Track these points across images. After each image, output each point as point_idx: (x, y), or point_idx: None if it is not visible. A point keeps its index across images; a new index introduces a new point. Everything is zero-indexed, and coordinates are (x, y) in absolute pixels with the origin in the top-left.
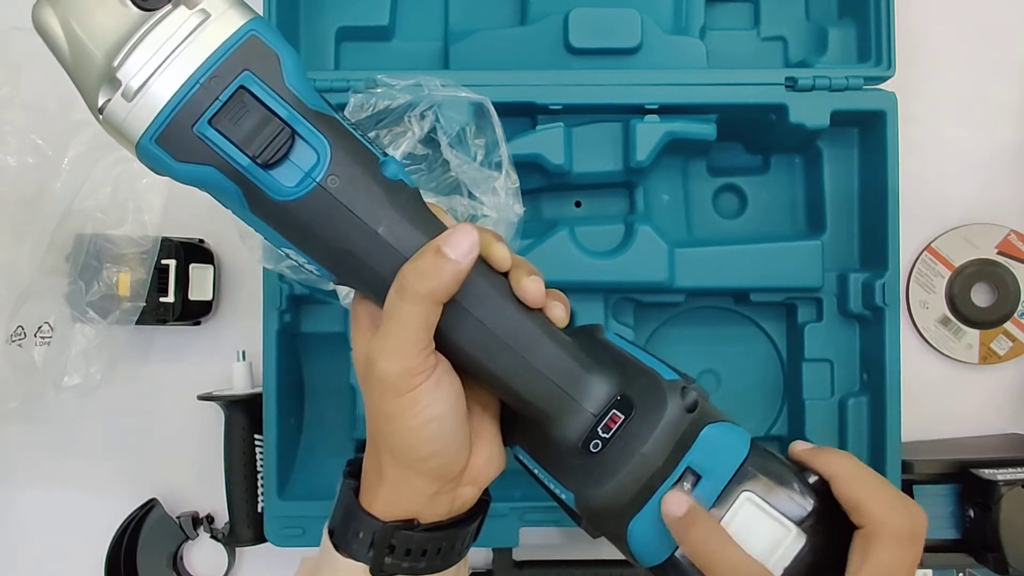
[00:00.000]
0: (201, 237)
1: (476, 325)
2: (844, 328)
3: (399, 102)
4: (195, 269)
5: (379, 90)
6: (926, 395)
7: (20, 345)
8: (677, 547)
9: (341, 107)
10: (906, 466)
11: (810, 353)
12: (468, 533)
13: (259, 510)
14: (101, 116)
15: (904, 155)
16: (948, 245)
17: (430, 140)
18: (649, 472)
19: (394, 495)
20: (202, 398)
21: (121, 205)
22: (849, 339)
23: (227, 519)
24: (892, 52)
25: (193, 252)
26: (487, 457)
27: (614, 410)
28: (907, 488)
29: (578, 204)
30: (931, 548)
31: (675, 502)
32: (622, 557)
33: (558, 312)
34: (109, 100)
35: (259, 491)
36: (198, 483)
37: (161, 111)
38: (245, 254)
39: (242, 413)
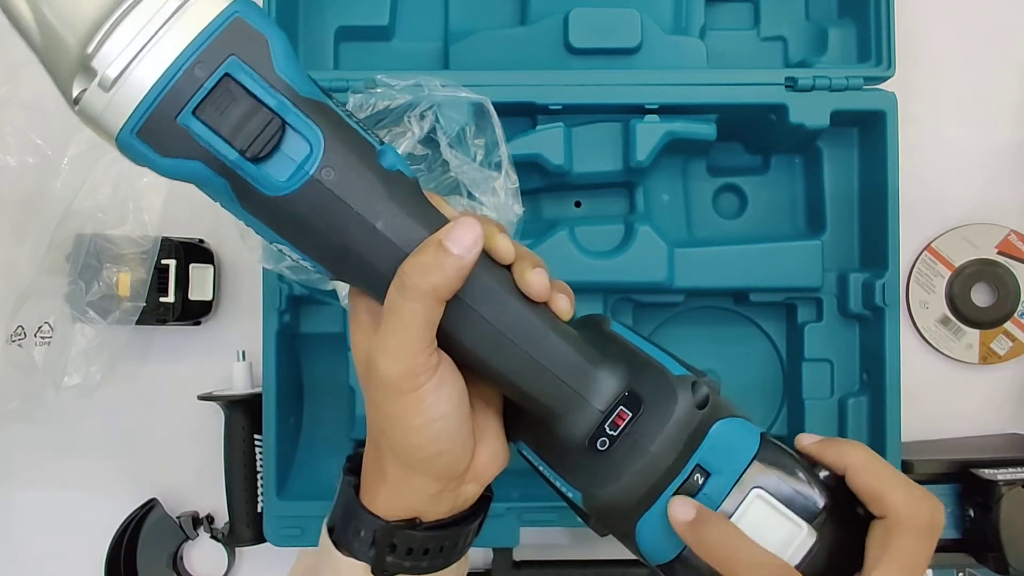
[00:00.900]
0: (201, 237)
1: (479, 321)
2: (844, 328)
3: (399, 102)
4: (195, 269)
5: (379, 90)
6: (926, 395)
7: (20, 345)
8: (687, 547)
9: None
10: (906, 466)
11: (810, 353)
12: (471, 531)
13: (259, 510)
14: (76, 107)
15: (904, 155)
16: (948, 245)
17: (430, 140)
18: (658, 472)
19: (396, 494)
20: (202, 398)
21: (121, 205)
22: (849, 339)
23: (227, 519)
24: (892, 52)
25: (193, 252)
26: (490, 454)
27: (622, 407)
28: None
29: (578, 204)
30: None
31: (681, 509)
32: (622, 557)
33: (563, 305)
34: (85, 90)
35: (259, 491)
36: (198, 483)
37: (141, 102)
38: (245, 254)
39: (242, 413)
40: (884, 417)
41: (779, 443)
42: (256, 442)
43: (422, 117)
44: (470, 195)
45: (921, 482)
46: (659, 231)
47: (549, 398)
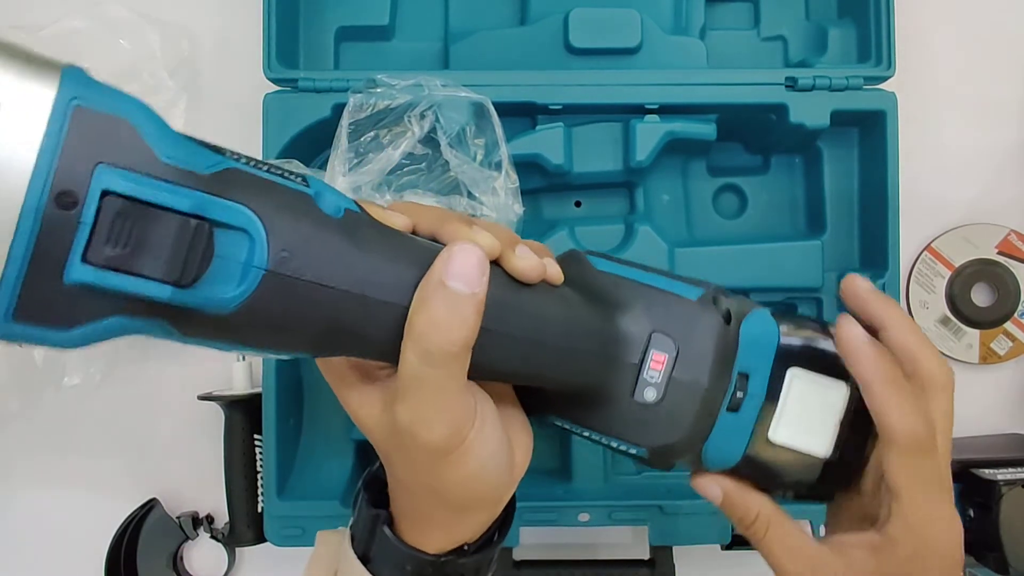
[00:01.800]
0: None
1: (495, 336)
2: None
3: (399, 102)
4: None
5: (379, 90)
6: None
7: (20, 345)
8: (748, 445)
9: (339, 107)
10: None
11: None
12: (507, 531)
13: (259, 510)
14: None
15: (904, 155)
16: (948, 245)
17: (430, 140)
18: (715, 400)
19: (448, 534)
20: (202, 398)
21: None
22: None
23: (227, 519)
24: (892, 52)
25: None
26: (523, 451)
27: (654, 351)
28: None
29: (578, 204)
30: None
31: (709, 490)
32: (622, 557)
33: (553, 271)
34: None
35: (259, 491)
36: (198, 483)
37: (1, 281)
38: None
39: (242, 413)
40: None
41: (788, 315)
42: (256, 442)
43: (422, 117)
44: (470, 195)
45: None
46: (659, 231)
47: (580, 375)
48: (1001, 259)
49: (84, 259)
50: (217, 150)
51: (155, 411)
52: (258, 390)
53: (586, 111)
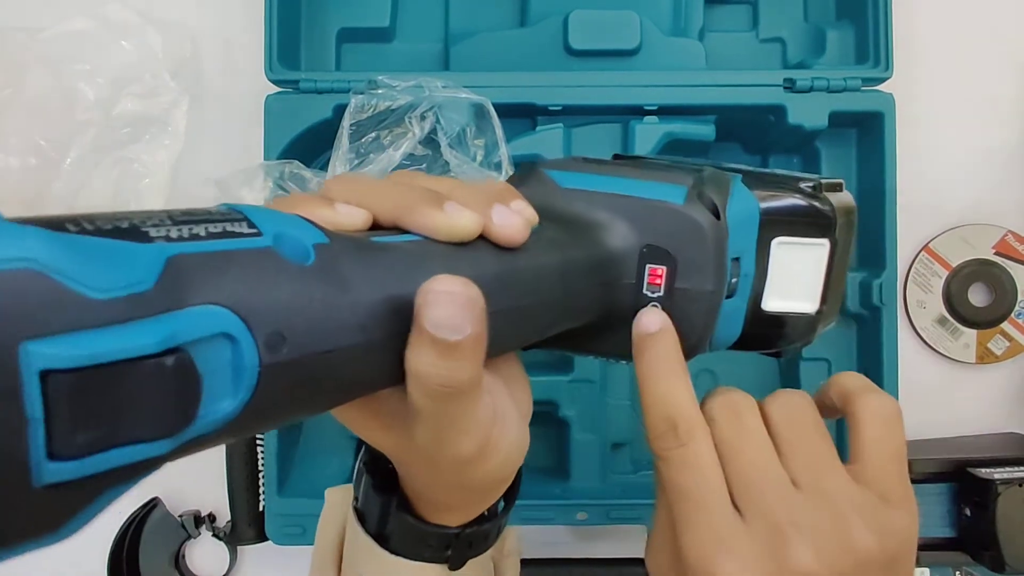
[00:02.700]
0: None
1: (496, 317)
2: (841, 328)
3: (400, 103)
4: None
5: (380, 91)
6: (923, 395)
7: None
8: (744, 322)
9: (340, 109)
10: None
11: (807, 352)
12: (518, 486)
13: (261, 508)
14: None
15: (902, 156)
16: (945, 245)
17: (430, 141)
18: (718, 298)
19: (469, 511)
20: None
21: (122, 206)
22: (846, 339)
23: (229, 518)
24: (890, 53)
25: None
26: (527, 405)
27: (649, 265)
28: None
29: None
30: (928, 547)
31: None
32: (622, 556)
33: (530, 214)
34: None
35: (260, 489)
36: (200, 482)
37: None
38: None
39: None
40: None
41: (760, 179)
42: (257, 440)
43: (423, 118)
44: None
45: (918, 481)
46: None
47: (584, 314)
48: (998, 259)
49: (51, 457)
50: (141, 234)
51: None
52: None
53: (586, 112)
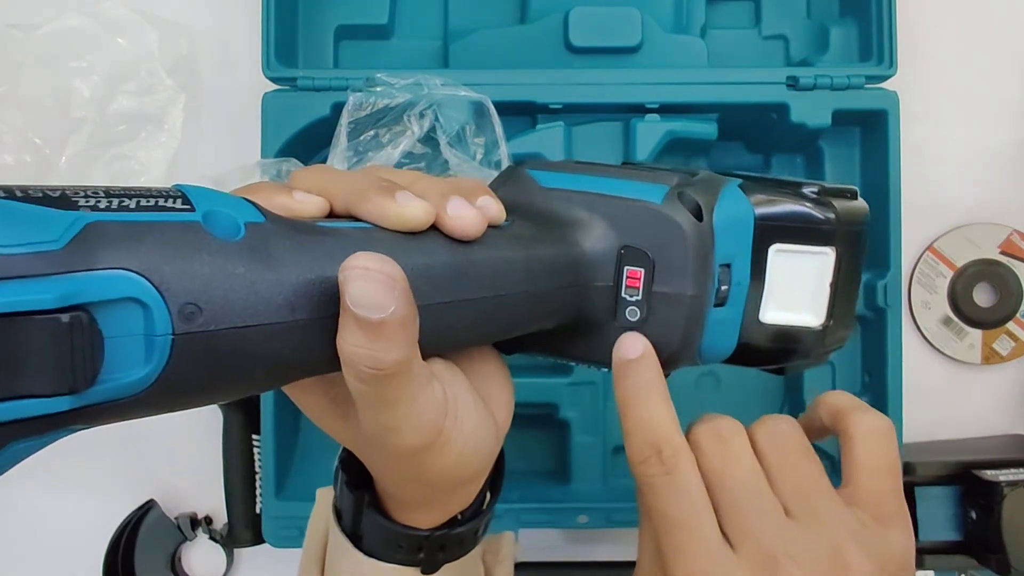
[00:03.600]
0: None
1: (450, 308)
2: None
3: (398, 101)
4: None
5: (378, 89)
6: (928, 396)
7: None
8: (740, 334)
9: (338, 107)
10: (908, 468)
11: None
12: (499, 488)
13: (257, 511)
14: None
15: (906, 154)
16: (950, 245)
17: (429, 139)
18: (702, 304)
19: (440, 510)
20: None
21: None
22: (850, 340)
23: (225, 520)
24: (894, 51)
25: None
26: (506, 407)
27: (627, 267)
28: (908, 490)
29: None
30: (933, 550)
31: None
32: (621, 559)
33: (494, 211)
34: None
35: (257, 492)
36: (196, 484)
37: None
38: None
39: (240, 413)
40: None
41: (759, 183)
42: (254, 442)
43: (422, 116)
44: None
45: (923, 484)
46: None
47: (557, 314)
48: (1003, 259)
49: None
50: (69, 202)
51: None
52: None
53: (586, 110)
